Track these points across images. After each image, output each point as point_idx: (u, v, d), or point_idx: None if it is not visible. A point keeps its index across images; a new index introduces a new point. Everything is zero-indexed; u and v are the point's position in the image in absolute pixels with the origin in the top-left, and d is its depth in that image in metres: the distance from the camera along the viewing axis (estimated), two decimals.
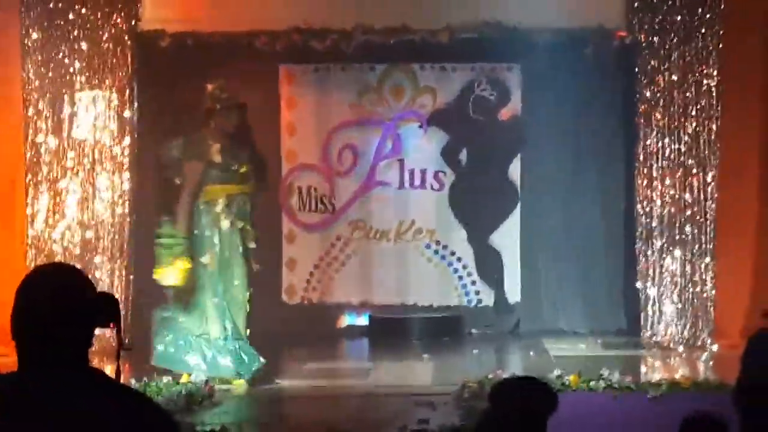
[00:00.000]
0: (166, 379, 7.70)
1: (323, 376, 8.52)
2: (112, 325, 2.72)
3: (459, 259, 10.47)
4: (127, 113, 9.69)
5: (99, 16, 9.66)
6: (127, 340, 8.98)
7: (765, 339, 4.37)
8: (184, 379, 7.74)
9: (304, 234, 10.53)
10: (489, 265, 10.43)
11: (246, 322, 8.02)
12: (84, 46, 9.65)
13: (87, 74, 9.65)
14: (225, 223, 7.95)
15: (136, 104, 9.75)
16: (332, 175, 10.51)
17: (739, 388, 4.18)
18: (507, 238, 10.40)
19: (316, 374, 8.58)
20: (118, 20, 9.69)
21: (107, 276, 9.60)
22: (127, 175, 9.67)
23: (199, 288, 7.95)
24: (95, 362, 2.60)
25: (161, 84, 10.23)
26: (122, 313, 3.22)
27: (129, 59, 9.70)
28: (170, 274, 7.93)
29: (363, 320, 10.44)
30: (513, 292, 10.41)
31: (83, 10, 9.64)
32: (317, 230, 10.53)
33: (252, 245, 8.09)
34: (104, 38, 9.67)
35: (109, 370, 2.79)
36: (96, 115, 9.63)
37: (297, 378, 8.47)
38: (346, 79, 10.48)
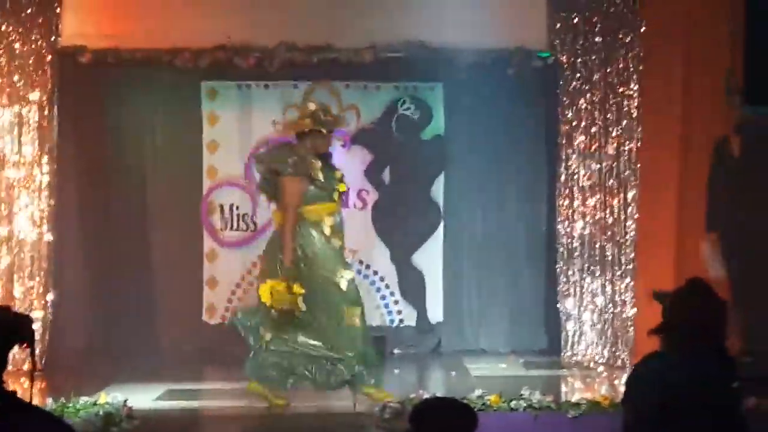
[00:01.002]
0: (83, 399, 7.56)
1: (243, 396, 8.43)
2: (25, 345, 2.66)
3: (381, 279, 10.45)
4: (47, 130, 9.56)
5: (19, 31, 9.51)
6: (43, 361, 8.99)
7: (646, 361, 4.42)
8: (101, 399, 7.61)
9: (226, 252, 10.44)
10: (411, 285, 10.42)
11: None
12: (2, 61, 9.50)
13: (7, 90, 9.50)
14: (335, 243, 7.88)
15: (56, 121, 9.62)
16: (254, 192, 10.43)
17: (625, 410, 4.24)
18: (430, 257, 10.40)
19: (236, 394, 8.49)
20: (38, 36, 9.55)
21: (24, 296, 9.45)
22: (46, 193, 9.54)
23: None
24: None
25: (83, 100, 10.13)
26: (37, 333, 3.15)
27: (49, 75, 9.57)
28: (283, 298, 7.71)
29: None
30: (435, 311, 10.41)
31: (2, 27, 9.49)
32: (239, 248, 10.45)
33: None
34: (24, 54, 9.52)
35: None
36: (17, 132, 9.49)
37: (217, 398, 8.39)
38: (269, 96, 10.43)
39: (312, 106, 7.98)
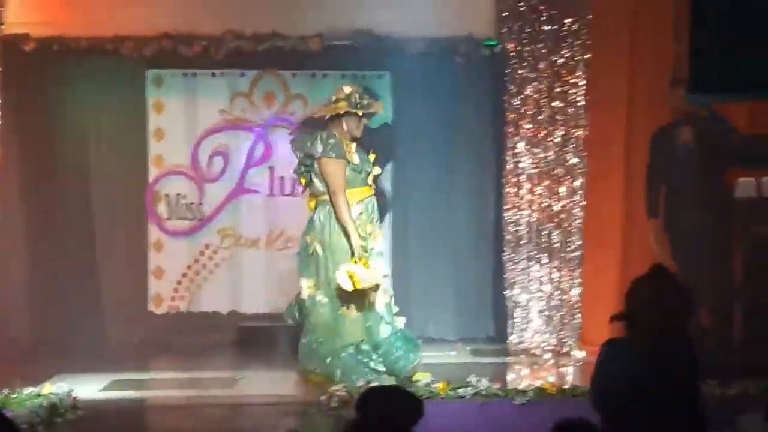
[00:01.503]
0: (28, 390, 7.50)
1: (189, 386, 8.41)
2: None
3: None
4: None
5: None
6: None
7: (611, 345, 4.45)
8: (46, 390, 7.55)
9: (172, 241, 10.38)
10: None
11: None
12: None
13: None
14: (368, 228, 7.85)
15: None
16: (201, 181, 10.38)
17: (592, 394, 4.25)
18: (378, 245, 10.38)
19: (182, 384, 8.46)
20: None
21: None
22: None
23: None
24: None
25: (26, 89, 10.01)
26: None
27: None
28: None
29: (232, 329, 10.31)
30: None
31: None
32: (185, 238, 10.39)
33: None
34: None
35: None
36: None
37: (163, 388, 8.35)
38: (216, 84, 10.37)
39: (347, 89, 8.00)
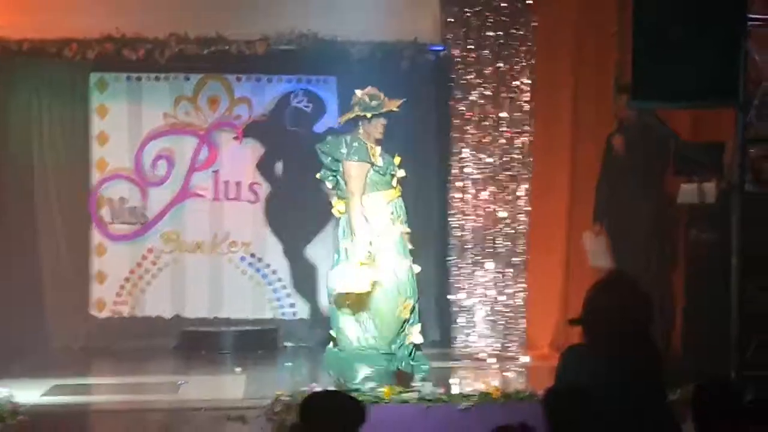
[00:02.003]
0: None
1: (132, 390, 8.34)
2: None
3: (274, 272, 10.40)
4: None
5: None
6: None
7: (571, 352, 4.45)
8: None
9: (115, 246, 10.30)
10: (304, 278, 10.40)
11: None
12: None
13: None
14: (396, 229, 7.76)
15: None
16: (145, 185, 10.32)
17: (547, 398, 4.24)
18: (322, 250, 10.37)
19: (124, 389, 8.40)
20: None
21: None
22: None
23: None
24: None
25: None
26: None
27: None
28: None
29: (175, 334, 10.24)
30: (328, 304, 10.37)
31: None
32: (128, 242, 10.31)
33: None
34: None
35: None
36: None
37: (105, 393, 8.29)
38: (160, 88, 10.32)
39: (358, 93, 7.97)
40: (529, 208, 9.62)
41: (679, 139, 8.55)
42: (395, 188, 7.98)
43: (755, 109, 7.32)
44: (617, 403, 4.11)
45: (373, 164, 7.83)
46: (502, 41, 9.70)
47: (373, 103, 7.89)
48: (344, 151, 7.85)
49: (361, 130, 7.91)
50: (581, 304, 4.46)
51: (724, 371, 7.01)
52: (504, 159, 9.64)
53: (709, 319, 7.96)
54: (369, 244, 7.73)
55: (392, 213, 7.90)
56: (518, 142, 9.66)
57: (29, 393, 7.85)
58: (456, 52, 9.74)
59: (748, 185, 7.35)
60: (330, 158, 7.96)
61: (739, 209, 7.09)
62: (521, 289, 9.58)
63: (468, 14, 9.72)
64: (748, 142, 7.26)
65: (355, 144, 7.85)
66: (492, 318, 9.58)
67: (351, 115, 7.94)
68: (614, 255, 8.67)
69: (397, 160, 8.03)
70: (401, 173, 8.06)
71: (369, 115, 7.87)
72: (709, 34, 6.82)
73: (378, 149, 7.89)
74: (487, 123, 9.66)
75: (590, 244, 8.78)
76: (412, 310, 7.88)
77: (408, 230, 8.01)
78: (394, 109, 7.95)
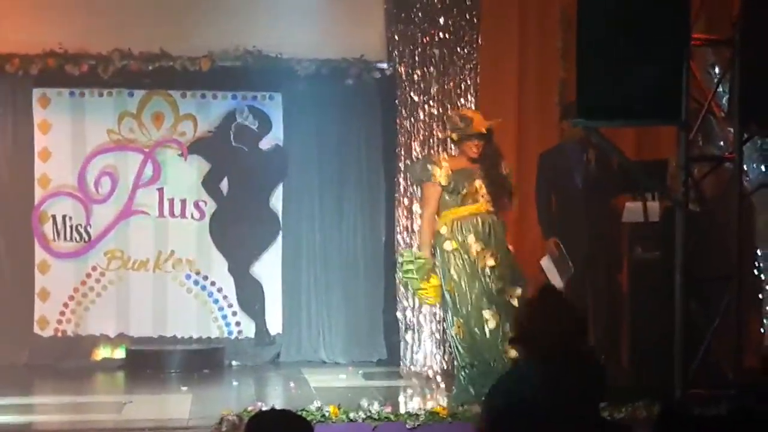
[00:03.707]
0: None
1: (76, 410, 8.25)
2: None
3: (219, 290, 10.35)
4: None
5: None
6: None
7: (513, 369, 4.46)
8: None
9: (58, 263, 10.20)
10: (250, 296, 10.35)
11: None
12: None
13: None
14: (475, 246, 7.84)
15: None
16: (88, 202, 10.23)
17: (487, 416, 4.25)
18: (268, 267, 10.35)
19: (67, 409, 8.30)
20: None
21: None
22: None
23: None
24: None
25: None
26: None
27: None
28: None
29: (119, 353, 10.16)
30: (275, 322, 10.35)
31: None
32: (72, 259, 10.22)
33: None
34: None
35: None
36: None
37: (48, 413, 8.19)
38: (104, 104, 10.25)
39: (450, 112, 8.04)
40: None
41: (624, 156, 8.62)
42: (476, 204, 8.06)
43: (699, 129, 7.41)
44: (555, 420, 4.13)
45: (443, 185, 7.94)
46: (447, 59, 9.73)
47: (460, 124, 8.03)
48: (422, 172, 8.13)
49: (457, 150, 8.13)
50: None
51: (669, 389, 7.07)
52: None
53: (654, 336, 8.02)
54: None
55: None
56: None
57: None
58: (402, 69, 9.76)
59: (692, 204, 7.42)
60: (414, 179, 8.51)
61: (682, 227, 7.16)
62: None
63: (414, 32, 9.75)
64: (691, 160, 7.34)
65: (429, 166, 8.17)
66: (438, 336, 9.57)
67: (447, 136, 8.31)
68: (567, 270, 8.68)
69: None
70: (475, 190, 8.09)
71: (455, 136, 8.00)
72: (653, 53, 6.89)
73: (446, 169, 7.98)
74: (433, 141, 9.68)
75: (547, 269, 8.80)
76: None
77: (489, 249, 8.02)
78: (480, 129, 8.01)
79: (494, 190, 8.05)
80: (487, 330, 7.83)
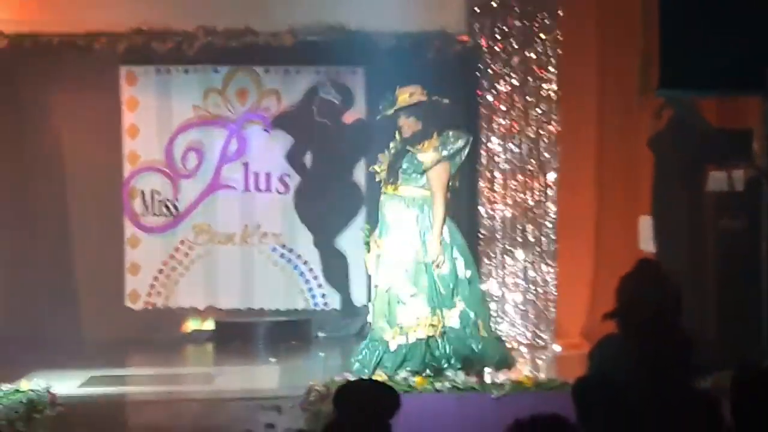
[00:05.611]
0: (6, 386, 7.49)
1: (168, 381, 8.42)
2: None
3: (305, 263, 10.46)
4: None
5: None
6: None
7: (605, 341, 4.48)
8: (23, 386, 7.55)
9: (148, 238, 10.38)
10: (335, 268, 10.45)
11: None
12: None
13: None
14: None
15: None
16: (176, 177, 10.39)
17: (578, 387, 4.27)
18: (352, 240, 10.41)
19: (160, 380, 8.48)
20: None
21: None
22: None
23: None
24: None
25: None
26: None
27: None
28: None
29: (209, 325, 10.34)
30: (359, 294, 10.43)
31: None
32: (161, 234, 10.40)
33: None
34: None
35: None
36: None
37: (141, 384, 8.37)
38: (190, 80, 10.38)
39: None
40: (558, 197, 9.64)
41: (709, 125, 8.57)
42: None
43: None
44: (649, 393, 4.14)
45: None
46: (528, 30, 9.71)
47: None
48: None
49: None
50: (612, 293, 4.49)
51: (759, 358, 7.04)
52: (532, 148, 9.66)
53: (741, 305, 7.98)
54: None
55: None
56: (545, 130, 9.68)
57: (67, 384, 7.96)
58: (483, 41, 9.76)
59: None
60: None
61: (767, 196, 7.12)
62: (551, 278, 9.61)
63: (494, 4, 9.74)
64: None
65: None
66: (522, 307, 9.61)
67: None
68: (656, 242, 8.65)
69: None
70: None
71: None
72: (737, 22, 6.85)
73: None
74: (515, 112, 9.69)
75: (643, 227, 8.75)
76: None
77: None
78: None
79: None
80: None
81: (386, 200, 7.94)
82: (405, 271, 7.73)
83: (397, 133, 8.07)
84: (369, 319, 8.08)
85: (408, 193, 7.89)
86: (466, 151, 8.02)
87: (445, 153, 7.85)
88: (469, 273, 7.86)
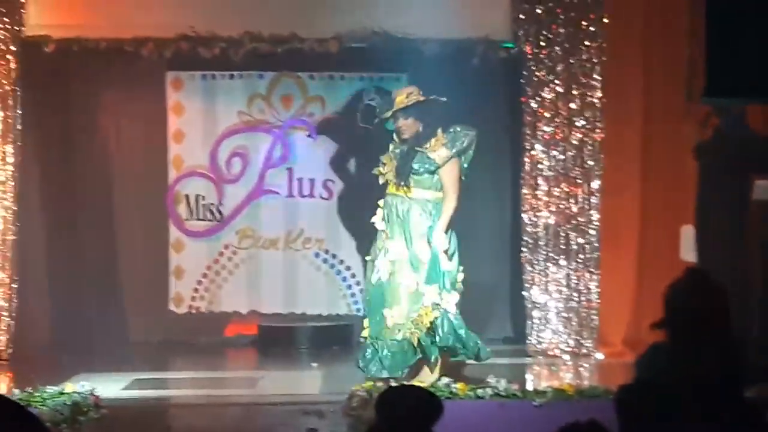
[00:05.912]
0: (51, 389, 7.56)
1: (211, 385, 8.47)
2: None
3: (348, 268, 10.49)
4: (10, 121, 9.52)
5: None
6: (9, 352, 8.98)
7: (653, 350, 4.46)
8: (68, 388, 7.62)
9: (192, 242, 10.45)
10: None
11: None
12: None
13: None
14: None
15: (19, 111, 9.57)
16: (220, 182, 10.46)
17: (622, 394, 4.25)
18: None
19: (203, 383, 8.53)
20: (1, 26, 9.53)
21: None
22: (12, 184, 9.50)
23: None
24: None
25: (47, 91, 10.11)
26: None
27: (12, 66, 9.53)
28: None
29: (252, 329, 10.39)
30: None
31: None
32: (205, 238, 10.46)
33: None
34: None
35: None
36: None
37: (184, 387, 8.42)
38: (235, 86, 10.45)
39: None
40: (601, 205, 9.60)
41: (754, 133, 8.52)
42: None
43: None
44: (696, 402, 4.11)
45: None
46: (572, 37, 9.68)
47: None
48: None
49: None
50: (654, 301, 4.46)
51: None
52: (576, 155, 9.63)
53: None
54: None
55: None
56: (590, 138, 9.65)
57: (111, 387, 8.02)
58: (527, 48, 9.74)
59: None
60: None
61: None
62: (594, 286, 9.57)
63: (539, 10, 9.72)
64: None
65: None
66: (565, 314, 9.58)
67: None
68: (698, 251, 8.60)
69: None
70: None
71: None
72: None
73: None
74: (559, 119, 9.67)
75: (685, 237, 8.72)
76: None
77: None
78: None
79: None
80: None
81: (397, 202, 8.07)
82: (413, 264, 7.87)
83: (395, 135, 8.07)
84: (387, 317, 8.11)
85: (421, 196, 7.96)
86: (474, 144, 8.18)
87: (455, 149, 7.90)
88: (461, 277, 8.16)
